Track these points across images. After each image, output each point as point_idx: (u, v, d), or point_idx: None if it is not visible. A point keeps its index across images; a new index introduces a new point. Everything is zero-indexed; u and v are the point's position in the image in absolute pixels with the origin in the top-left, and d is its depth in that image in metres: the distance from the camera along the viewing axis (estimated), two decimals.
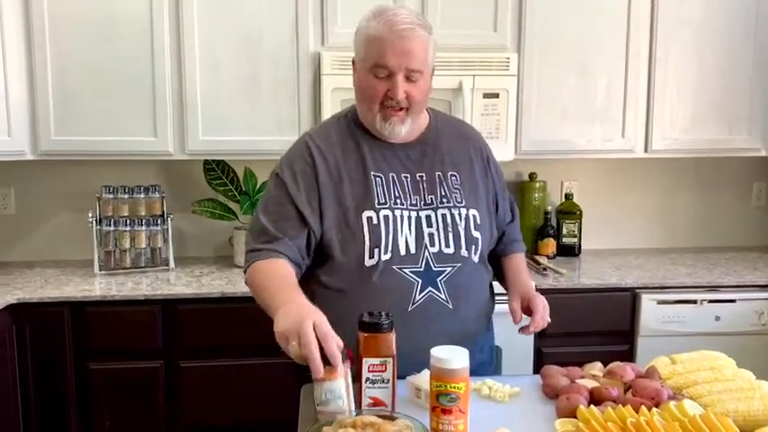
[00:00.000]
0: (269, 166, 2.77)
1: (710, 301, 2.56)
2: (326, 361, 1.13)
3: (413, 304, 1.46)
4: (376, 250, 1.46)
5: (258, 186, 2.77)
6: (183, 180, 2.90)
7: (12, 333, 2.28)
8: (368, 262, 1.46)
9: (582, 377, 1.37)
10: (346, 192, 1.49)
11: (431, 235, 1.50)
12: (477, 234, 1.54)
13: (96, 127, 2.55)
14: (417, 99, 1.48)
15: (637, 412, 1.18)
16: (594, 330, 2.53)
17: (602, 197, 3.15)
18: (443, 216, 1.52)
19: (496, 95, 2.60)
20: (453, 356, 1.15)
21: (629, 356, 2.52)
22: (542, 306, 1.53)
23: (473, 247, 1.53)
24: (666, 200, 3.21)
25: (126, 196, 2.68)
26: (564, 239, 2.98)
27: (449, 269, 1.50)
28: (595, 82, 2.74)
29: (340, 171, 1.51)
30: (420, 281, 1.47)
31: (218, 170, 2.75)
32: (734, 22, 2.77)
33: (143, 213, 2.69)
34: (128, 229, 2.64)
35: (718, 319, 2.56)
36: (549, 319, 1.54)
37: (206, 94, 2.58)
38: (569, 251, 2.97)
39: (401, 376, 1.28)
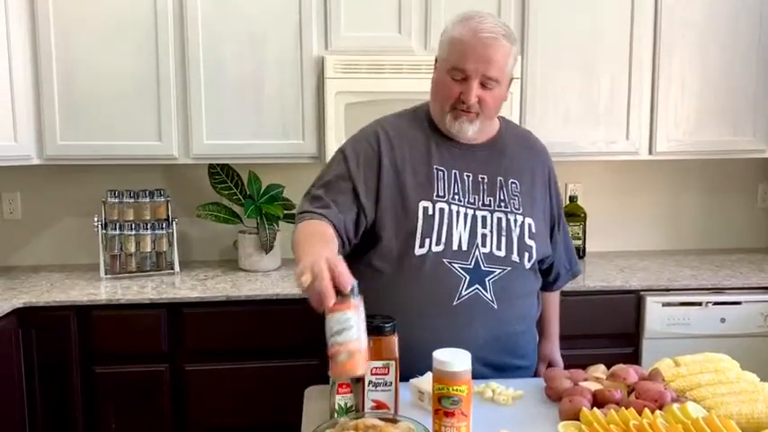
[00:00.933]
0: (273, 170, 2.85)
1: (716, 304, 2.55)
2: (338, 295, 1.11)
3: (458, 299, 1.48)
4: (427, 240, 1.48)
5: (262, 190, 2.78)
6: (187, 184, 2.91)
7: (18, 337, 2.30)
8: (418, 251, 1.48)
9: (585, 380, 1.37)
10: (407, 180, 1.51)
11: (484, 236, 1.52)
12: (530, 242, 1.55)
13: (101, 131, 2.57)
14: (489, 105, 1.50)
15: (640, 415, 1.18)
16: (599, 333, 2.52)
17: (607, 199, 3.15)
18: (499, 219, 1.53)
19: None
20: (455, 359, 1.15)
21: (635, 359, 2.51)
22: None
23: (525, 254, 1.54)
24: (671, 202, 3.20)
25: (131, 200, 2.69)
26: None
27: (498, 271, 1.51)
28: (599, 84, 2.74)
29: (404, 159, 1.53)
30: (468, 277, 1.48)
31: (222, 174, 2.76)
32: (738, 22, 2.76)
33: (148, 217, 2.70)
34: (133, 233, 2.65)
35: (723, 321, 2.55)
36: None
37: (210, 99, 2.59)
38: None
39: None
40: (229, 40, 2.58)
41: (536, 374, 1.66)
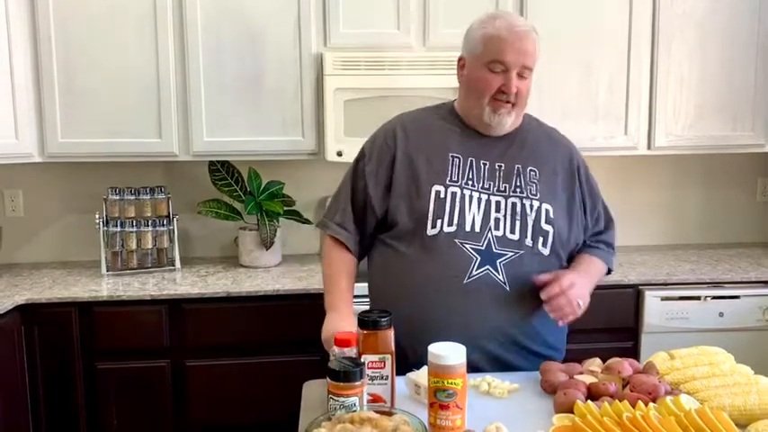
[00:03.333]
0: (273, 167, 2.86)
1: (714, 298, 2.56)
2: (347, 377, 1.15)
3: (469, 278, 1.51)
4: (438, 221, 1.53)
5: (263, 186, 2.79)
6: (188, 181, 2.93)
7: (20, 333, 2.32)
8: (430, 231, 1.53)
9: (580, 373, 1.38)
10: (421, 167, 1.59)
11: (497, 219, 1.55)
12: (547, 227, 1.56)
13: (102, 129, 2.58)
14: (524, 95, 1.58)
15: (633, 407, 1.19)
16: (599, 327, 2.52)
17: (606, 194, 3.07)
18: (513, 204, 1.57)
19: None
20: (450, 353, 1.16)
21: (634, 353, 2.52)
22: (566, 281, 1.50)
23: (540, 238, 1.55)
24: (671, 196, 3.20)
25: (132, 197, 2.71)
26: None
27: (510, 254, 1.53)
28: (597, 79, 2.74)
29: (419, 148, 1.61)
30: (479, 258, 1.52)
31: (222, 171, 2.77)
32: (736, 17, 2.77)
33: (149, 214, 2.72)
34: (134, 229, 2.67)
35: (721, 315, 2.55)
36: (579, 309, 1.54)
37: (210, 96, 2.60)
38: None
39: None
40: (229, 38, 2.59)
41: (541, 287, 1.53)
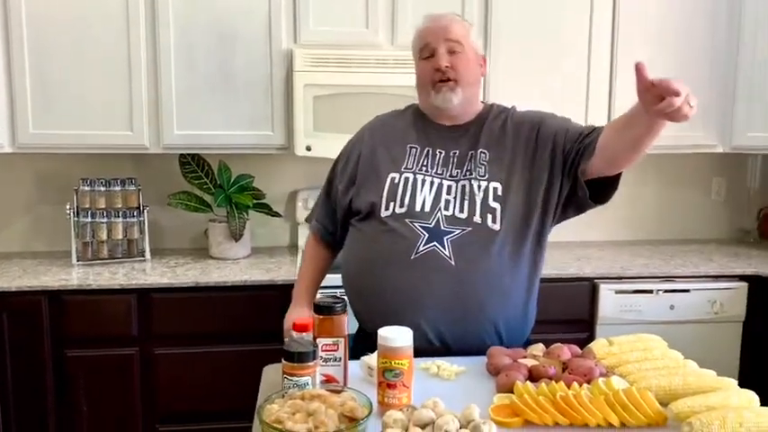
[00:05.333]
0: (243, 160, 2.92)
1: (666, 291, 2.67)
2: (300, 358, 1.22)
3: (416, 253, 1.60)
4: (391, 204, 1.65)
5: (232, 180, 2.85)
6: (159, 173, 2.97)
7: None
8: (383, 213, 1.66)
9: (524, 357, 1.47)
10: (381, 158, 1.73)
11: (447, 201, 1.64)
12: (495, 204, 1.62)
13: (73, 121, 2.62)
14: (461, 70, 1.66)
15: (569, 388, 1.28)
16: (556, 319, 2.61)
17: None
18: (463, 186, 1.65)
19: None
20: (397, 336, 1.24)
21: (588, 344, 2.62)
22: (677, 81, 1.27)
23: (489, 215, 1.61)
24: (629, 194, 3.31)
25: (103, 189, 2.74)
26: None
27: (458, 231, 1.61)
28: (559, 78, 2.84)
29: (381, 142, 1.76)
30: (427, 235, 1.61)
31: (193, 164, 2.83)
32: (692, 19, 2.88)
33: (120, 205, 2.76)
34: (105, 220, 2.71)
35: (672, 308, 2.67)
36: (692, 104, 1.31)
37: (181, 90, 2.65)
38: None
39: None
40: (200, 33, 2.64)
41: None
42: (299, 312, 1.78)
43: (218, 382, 2.49)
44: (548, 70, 2.83)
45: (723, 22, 2.90)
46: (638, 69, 1.34)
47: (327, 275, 2.47)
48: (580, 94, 2.86)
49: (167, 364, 2.48)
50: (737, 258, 2.91)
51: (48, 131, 2.61)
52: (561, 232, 3.15)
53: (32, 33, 2.55)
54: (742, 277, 2.71)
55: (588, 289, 2.66)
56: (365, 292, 1.68)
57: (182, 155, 2.81)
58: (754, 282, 2.70)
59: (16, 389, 2.41)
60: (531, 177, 1.66)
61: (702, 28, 2.89)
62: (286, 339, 1.62)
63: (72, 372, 2.44)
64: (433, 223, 1.61)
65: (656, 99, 1.32)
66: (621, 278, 2.68)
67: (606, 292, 2.65)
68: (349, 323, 1.39)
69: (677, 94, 1.27)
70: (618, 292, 2.66)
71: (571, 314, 2.66)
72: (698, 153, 3.15)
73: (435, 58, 1.67)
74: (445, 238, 1.61)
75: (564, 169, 1.65)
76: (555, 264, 2.78)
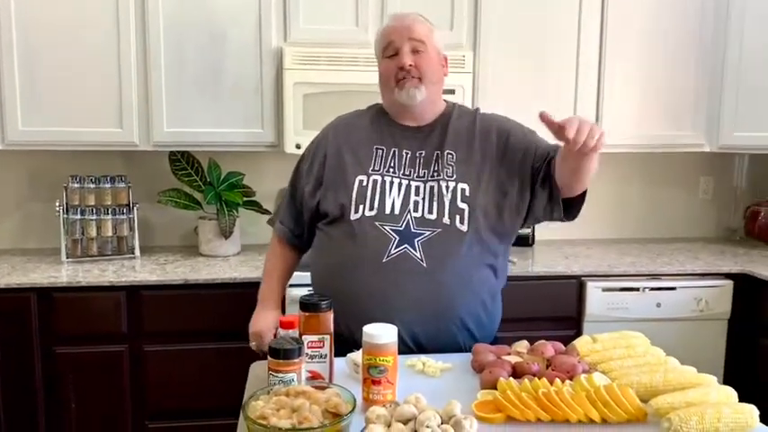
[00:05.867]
0: (233, 158, 2.93)
1: (652, 289, 2.70)
2: (286, 355, 1.23)
3: (387, 257, 1.60)
4: (360, 206, 1.65)
5: (222, 177, 2.85)
6: (149, 170, 2.98)
7: None
8: (353, 216, 1.65)
9: (508, 354, 1.49)
10: (347, 160, 1.71)
11: (416, 202, 1.65)
12: (462, 205, 1.64)
13: (63, 118, 2.62)
14: (424, 68, 1.68)
15: (552, 385, 1.30)
16: (544, 316, 2.65)
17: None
18: (431, 188, 1.66)
19: (452, 92, 2.71)
20: (382, 332, 1.26)
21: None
22: (577, 119, 1.41)
23: (457, 216, 1.63)
24: (618, 193, 3.35)
25: (93, 186, 2.75)
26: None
27: (428, 233, 1.62)
28: (548, 80, 2.86)
29: (347, 143, 1.74)
30: (397, 238, 1.62)
31: (183, 161, 2.83)
32: (680, 23, 2.91)
33: (109, 203, 2.76)
34: (94, 217, 2.72)
35: (659, 305, 2.70)
36: (594, 138, 1.40)
37: (171, 88, 2.66)
38: (523, 241, 3.09)
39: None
40: (190, 31, 2.64)
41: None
42: (264, 316, 1.79)
43: (208, 379, 2.50)
44: (536, 69, 2.85)
45: (711, 23, 2.92)
46: (542, 119, 1.44)
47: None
48: (569, 95, 2.88)
49: (157, 362, 2.49)
50: (723, 257, 2.94)
51: (37, 128, 2.61)
52: (546, 230, 3.22)
53: (22, 30, 2.55)
54: (728, 275, 2.74)
55: (576, 287, 2.68)
56: (336, 296, 1.57)
57: (172, 152, 2.82)
58: (739, 280, 2.72)
59: (5, 386, 2.41)
60: (499, 180, 1.68)
61: (691, 28, 2.91)
62: (252, 344, 1.75)
63: (61, 369, 2.44)
64: (403, 226, 1.62)
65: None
66: (609, 276, 2.70)
67: (593, 290, 2.67)
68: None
69: (574, 139, 1.40)
70: (605, 289, 2.68)
71: (559, 312, 2.69)
72: (685, 152, 3.18)
73: (399, 56, 1.67)
74: (416, 240, 1.62)
75: (533, 184, 1.69)
76: (544, 262, 2.81)
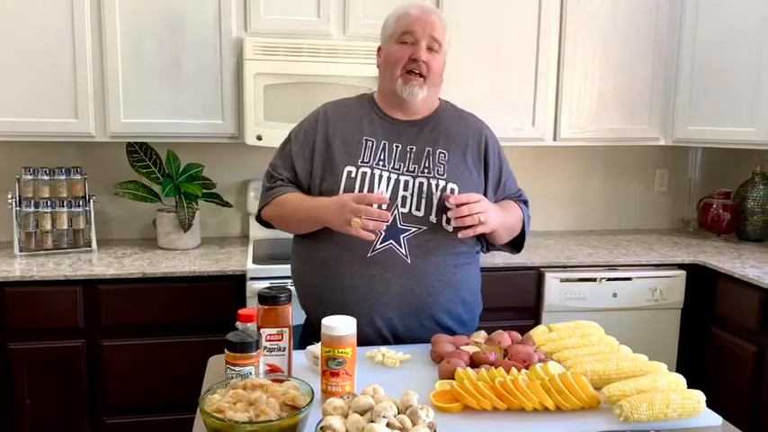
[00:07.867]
0: (192, 149, 2.89)
1: (609, 280, 2.75)
2: (243, 348, 1.22)
3: (372, 251, 1.61)
4: None
5: (181, 169, 2.81)
6: (106, 162, 2.92)
7: None
8: None
9: (466, 344, 1.51)
10: (336, 149, 1.69)
11: (404, 197, 1.65)
12: (450, 205, 1.64)
13: (17, 108, 2.54)
14: (434, 70, 1.70)
15: (508, 373, 1.32)
16: (504, 306, 2.68)
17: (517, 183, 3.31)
18: (420, 184, 1.66)
19: None
20: (341, 325, 1.26)
21: None
22: (475, 197, 1.61)
23: (444, 215, 1.64)
24: (576, 185, 3.41)
25: (47, 178, 2.68)
26: None
27: (414, 229, 1.63)
28: (508, 73, 2.89)
29: (336, 132, 1.72)
30: (383, 233, 1.61)
31: (140, 152, 2.78)
32: (637, 20, 2.96)
33: (64, 195, 2.70)
34: (48, 210, 2.65)
35: (615, 295, 2.76)
36: (481, 226, 1.59)
37: (128, 77, 2.60)
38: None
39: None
40: (148, 18, 2.59)
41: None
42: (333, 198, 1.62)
43: (166, 373, 2.47)
44: (498, 64, 2.87)
45: (665, 18, 2.98)
46: (446, 200, 1.61)
47: (276, 266, 2.48)
48: (529, 89, 2.91)
49: (115, 356, 2.45)
50: (677, 247, 3.01)
51: None
52: None
53: None
54: (681, 266, 2.82)
55: (535, 277, 2.73)
56: (319, 289, 1.66)
57: (129, 143, 2.76)
58: (692, 270, 2.80)
59: None
60: (485, 188, 1.75)
61: (646, 22, 2.97)
62: (355, 220, 1.51)
63: (15, 364, 2.38)
64: (389, 221, 1.62)
65: None
66: (566, 267, 2.75)
67: (552, 281, 2.72)
68: (294, 314, 1.40)
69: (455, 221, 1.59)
70: (563, 280, 2.73)
71: (519, 302, 2.73)
72: (642, 146, 3.25)
73: (416, 48, 1.67)
74: (402, 237, 1.63)
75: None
76: (505, 253, 2.82)
